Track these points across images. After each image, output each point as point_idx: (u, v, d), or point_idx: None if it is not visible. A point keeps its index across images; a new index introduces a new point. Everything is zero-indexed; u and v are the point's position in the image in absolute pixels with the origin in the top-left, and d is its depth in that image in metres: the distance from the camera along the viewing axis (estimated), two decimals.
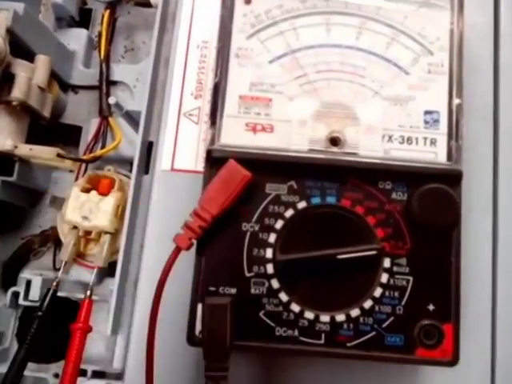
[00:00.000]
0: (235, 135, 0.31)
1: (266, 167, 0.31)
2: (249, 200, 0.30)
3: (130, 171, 0.51)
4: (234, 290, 0.30)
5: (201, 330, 0.29)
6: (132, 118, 0.45)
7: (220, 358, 0.28)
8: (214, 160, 0.31)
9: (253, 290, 0.30)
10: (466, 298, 0.31)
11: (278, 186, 0.31)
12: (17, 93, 0.45)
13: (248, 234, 0.30)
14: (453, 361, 0.29)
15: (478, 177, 0.35)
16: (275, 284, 0.30)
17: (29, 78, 0.46)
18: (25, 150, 0.45)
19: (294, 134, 0.31)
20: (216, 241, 0.30)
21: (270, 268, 0.30)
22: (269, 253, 0.30)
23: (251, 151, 0.31)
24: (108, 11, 0.55)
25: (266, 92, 0.32)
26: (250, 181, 0.30)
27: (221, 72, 0.32)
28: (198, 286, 0.30)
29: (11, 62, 0.45)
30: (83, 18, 0.60)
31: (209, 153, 0.31)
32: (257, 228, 0.30)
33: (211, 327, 0.28)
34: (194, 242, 0.30)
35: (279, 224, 0.30)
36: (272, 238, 0.30)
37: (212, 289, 0.30)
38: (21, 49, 0.47)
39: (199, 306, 0.29)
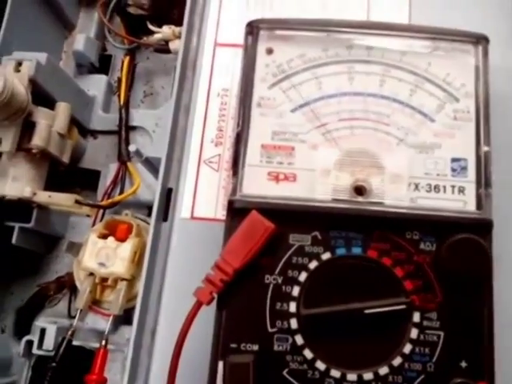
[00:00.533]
0: (257, 185, 0.31)
1: (289, 218, 0.30)
2: (272, 251, 0.30)
3: (148, 216, 0.51)
4: (256, 347, 0.29)
5: None
6: (151, 165, 0.45)
7: None
8: (236, 211, 0.30)
9: (276, 347, 0.29)
10: (500, 354, 0.29)
11: (301, 237, 0.30)
12: (37, 140, 0.45)
13: (271, 286, 0.29)
14: None
15: (509, 224, 0.34)
16: (299, 340, 0.29)
17: (49, 125, 0.46)
18: (43, 197, 0.45)
19: (318, 183, 0.30)
20: (238, 294, 0.29)
21: (293, 323, 0.29)
22: (292, 307, 0.29)
23: (274, 201, 0.30)
24: (128, 57, 0.56)
25: (289, 141, 0.31)
26: (273, 232, 0.29)
27: (243, 121, 0.32)
28: (219, 343, 0.29)
29: (32, 111, 0.46)
30: (103, 64, 0.61)
31: (230, 203, 0.30)
32: (280, 280, 0.29)
33: None
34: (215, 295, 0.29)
35: (303, 276, 0.29)
36: (296, 290, 0.29)
37: (233, 346, 0.29)
38: (42, 97, 0.48)
39: (220, 364, 0.28)
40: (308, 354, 0.28)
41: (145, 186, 0.51)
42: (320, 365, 0.28)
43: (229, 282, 0.29)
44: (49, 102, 0.48)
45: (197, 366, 0.30)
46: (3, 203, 0.45)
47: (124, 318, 0.48)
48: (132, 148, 0.42)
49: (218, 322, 0.29)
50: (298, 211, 0.30)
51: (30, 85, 0.45)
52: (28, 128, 0.46)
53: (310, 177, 0.31)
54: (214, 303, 0.29)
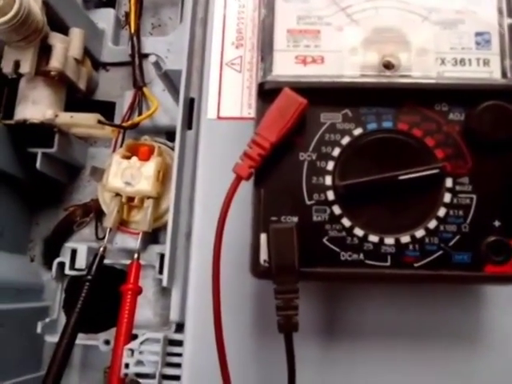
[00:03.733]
0: (286, 68, 0.31)
1: (319, 96, 0.30)
2: (304, 130, 0.30)
3: (167, 140, 0.51)
4: (295, 219, 0.30)
5: (266, 257, 0.29)
6: (170, 81, 0.46)
7: (290, 280, 0.28)
8: (267, 92, 0.31)
9: (315, 218, 0.30)
10: None
11: (332, 115, 0.31)
12: (55, 63, 0.46)
13: (306, 163, 0.30)
14: None
15: None
16: (337, 210, 0.30)
17: (66, 48, 0.47)
18: (66, 118, 0.46)
19: (346, 62, 0.31)
20: (274, 171, 0.30)
21: (330, 195, 0.30)
22: (328, 180, 0.30)
23: (304, 80, 0.31)
24: None
25: (314, 24, 0.32)
26: (306, 107, 0.30)
27: (267, 8, 0.32)
28: (260, 217, 0.30)
29: (48, 34, 0.46)
30: None
31: (261, 86, 0.31)
32: (314, 157, 0.30)
33: (279, 249, 0.28)
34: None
35: (336, 151, 0.30)
36: (330, 165, 0.30)
37: (274, 218, 0.30)
38: (55, 23, 0.48)
39: (262, 236, 0.29)
40: (346, 222, 0.30)
41: (162, 110, 0.51)
42: (358, 231, 0.29)
43: (266, 157, 0.29)
44: (62, 29, 0.49)
45: (237, 245, 0.32)
46: (25, 128, 0.46)
47: (152, 237, 0.49)
48: (152, 59, 0.42)
49: (257, 197, 0.30)
50: (327, 88, 0.31)
51: (44, 7, 0.45)
52: (45, 52, 0.46)
53: (338, 57, 0.31)
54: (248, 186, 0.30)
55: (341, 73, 0.31)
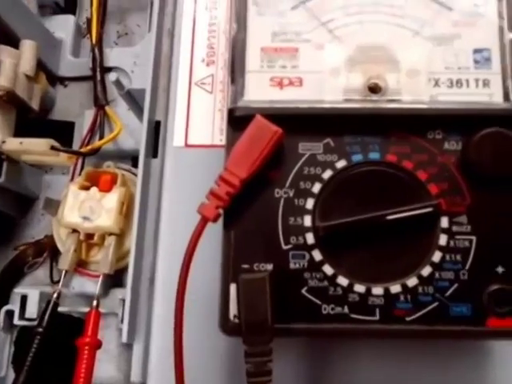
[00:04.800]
0: (259, 92, 0.32)
1: (297, 124, 0.31)
2: (280, 163, 0.31)
3: (133, 166, 0.52)
4: (270, 266, 0.30)
5: (236, 312, 0.29)
6: (134, 101, 0.46)
7: (262, 340, 0.28)
8: (238, 120, 0.31)
9: (292, 265, 0.30)
10: None
11: (312, 145, 0.31)
12: (3, 81, 0.46)
13: (282, 200, 0.31)
14: None
15: None
16: (317, 256, 0.30)
17: (15, 64, 0.47)
18: (14, 144, 0.46)
19: (327, 84, 0.32)
20: (246, 211, 0.30)
21: (310, 238, 0.30)
22: (307, 220, 0.30)
23: (280, 106, 0.31)
24: None
25: (291, 41, 0.32)
26: (281, 137, 0.30)
27: (238, 22, 0.33)
28: (229, 264, 0.30)
29: None
30: (69, 4, 0.62)
31: (231, 112, 0.31)
32: (291, 193, 0.31)
33: (250, 304, 0.28)
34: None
35: (317, 187, 0.31)
36: (310, 203, 0.30)
37: (245, 266, 0.30)
38: (4, 34, 0.49)
39: (232, 287, 0.29)
40: (328, 269, 0.30)
41: (127, 132, 0.52)
42: (342, 280, 0.30)
43: (236, 196, 0.30)
44: (12, 41, 0.49)
45: (204, 295, 0.32)
46: None
47: (115, 280, 0.49)
48: (112, 77, 0.42)
49: (227, 241, 0.30)
50: (306, 115, 0.31)
51: None
52: None
53: (318, 79, 0.32)
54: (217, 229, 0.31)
55: (321, 97, 0.32)
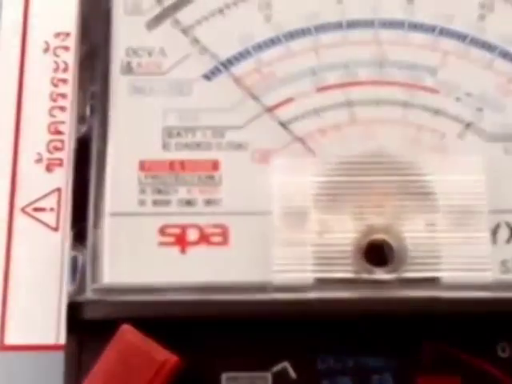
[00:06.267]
0: (136, 262, 0.15)
1: (218, 336, 0.14)
2: None
3: None
4: None
5: None
6: None
7: None
8: (88, 328, 0.14)
9: None
10: None
11: (250, 376, 0.15)
12: None
13: None
14: None
15: None
16: None
17: None
18: None
19: (279, 246, 0.15)
20: None
21: None
22: None
23: (181, 298, 0.15)
24: None
25: (205, 149, 0.16)
26: (176, 370, 0.13)
27: (92, 110, 0.16)
28: None
29: None
30: None
31: (72, 310, 0.15)
32: None
33: None
34: None
35: None
36: None
37: None
38: None
39: None
40: None
41: None
42: None
43: None
44: None
45: None
46: None
47: None
48: None
49: None
50: (235, 319, 0.14)
51: None
52: None
53: (261, 232, 0.15)
54: None
55: (267, 277, 0.15)
